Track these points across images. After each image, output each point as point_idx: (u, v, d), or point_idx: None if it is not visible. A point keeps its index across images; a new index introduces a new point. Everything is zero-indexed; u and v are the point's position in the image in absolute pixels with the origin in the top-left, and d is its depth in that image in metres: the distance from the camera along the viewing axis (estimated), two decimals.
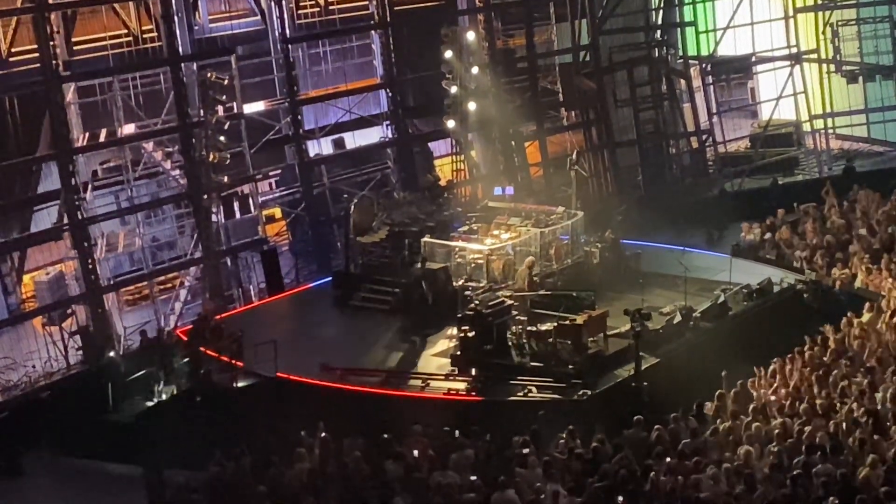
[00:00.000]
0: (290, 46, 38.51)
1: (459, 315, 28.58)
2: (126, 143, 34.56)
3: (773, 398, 24.59)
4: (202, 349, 29.30)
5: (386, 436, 23.90)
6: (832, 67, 47.11)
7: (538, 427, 23.79)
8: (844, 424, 22.42)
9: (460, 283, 30.96)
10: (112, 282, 33.71)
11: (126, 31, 35.64)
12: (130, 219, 34.97)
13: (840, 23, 47.15)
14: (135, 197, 34.69)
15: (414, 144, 41.33)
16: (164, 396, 28.80)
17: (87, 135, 34.36)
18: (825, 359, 26.16)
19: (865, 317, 28.11)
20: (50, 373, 31.33)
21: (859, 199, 37.91)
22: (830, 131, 46.73)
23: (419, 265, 30.74)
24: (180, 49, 34.99)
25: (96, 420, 28.65)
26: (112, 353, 30.23)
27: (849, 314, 28.21)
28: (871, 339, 26.87)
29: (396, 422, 25.41)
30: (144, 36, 35.65)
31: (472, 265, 31.40)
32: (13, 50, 34.89)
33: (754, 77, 48.77)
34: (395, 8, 40.99)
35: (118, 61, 34.91)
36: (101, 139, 34.54)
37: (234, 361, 28.93)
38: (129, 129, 34.70)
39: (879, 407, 23.09)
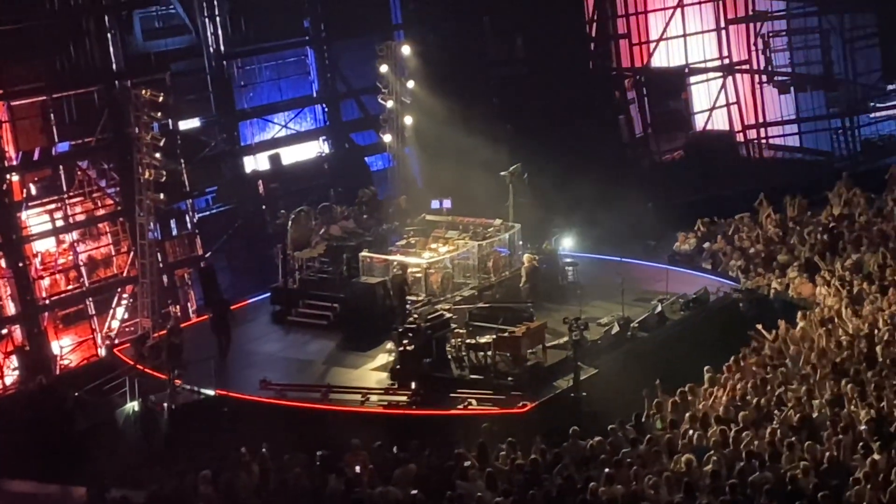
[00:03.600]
0: (224, 62, 38.40)
1: (398, 329, 28.56)
2: (61, 161, 34.27)
3: (710, 406, 24.73)
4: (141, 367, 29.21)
5: (326, 451, 23.82)
6: (764, 78, 47.55)
7: (483, 440, 23.82)
8: (780, 432, 22.62)
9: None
10: (48, 301, 33.39)
11: (59, 47, 35.26)
12: (66, 237, 34.64)
13: (771, 34, 47.64)
14: (70, 215, 34.39)
15: (351, 159, 41.27)
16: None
17: (20, 153, 34.01)
18: (761, 367, 26.40)
19: (800, 324, 28.38)
20: None
21: (791, 209, 38.26)
22: (764, 141, 47.18)
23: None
24: (114, 66, 34.76)
25: (37, 439, 28.34)
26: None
27: (784, 322, 28.47)
28: (806, 346, 27.13)
29: (337, 437, 25.36)
30: (78, 52, 35.31)
31: (411, 279, 31.40)
32: None
33: (688, 88, 49.03)
34: (330, 23, 41.05)
35: (51, 78, 34.59)
36: (35, 157, 34.20)
37: (172, 379, 28.75)
38: (63, 147, 34.42)
39: (816, 413, 23.32)
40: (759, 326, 27.86)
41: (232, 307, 31.70)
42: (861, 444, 21.75)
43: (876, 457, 20.95)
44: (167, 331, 30.27)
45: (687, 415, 24.34)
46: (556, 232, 34.25)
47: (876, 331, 27.27)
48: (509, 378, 26.97)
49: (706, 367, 26.31)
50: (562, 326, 27.44)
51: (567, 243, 34.08)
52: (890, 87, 48.47)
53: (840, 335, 27.34)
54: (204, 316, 34.29)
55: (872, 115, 47.66)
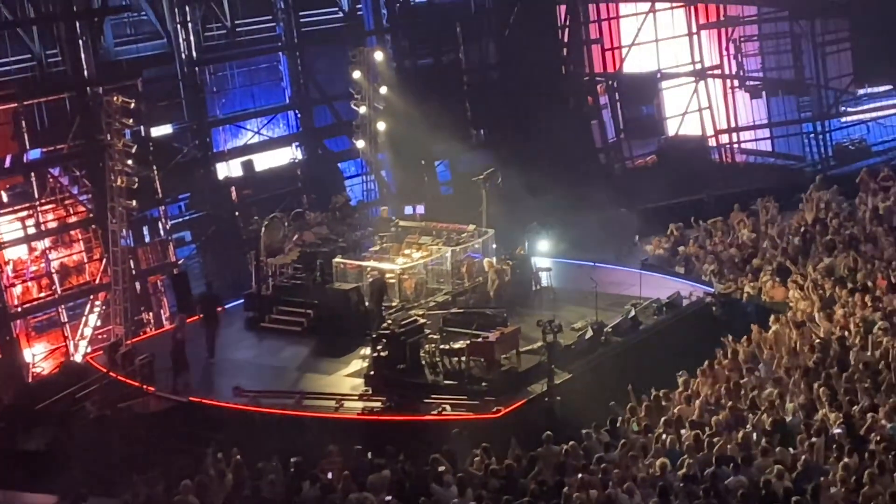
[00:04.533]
0: (196, 68, 38.32)
1: (372, 335, 28.53)
2: (32, 168, 34.15)
3: (684, 410, 24.79)
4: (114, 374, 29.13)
5: (300, 458, 23.75)
6: (736, 83, 47.74)
7: (450, 447, 23.81)
8: (755, 435, 22.70)
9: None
10: (20, 309, 33.24)
11: (30, 54, 35.18)
12: (38, 244, 34.50)
13: (742, 39, 47.84)
14: (42, 222, 34.25)
15: (324, 165, 41.23)
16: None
17: None
18: (735, 371, 26.48)
19: (773, 328, 28.48)
20: None
21: (764, 213, 38.43)
22: (736, 146, 47.36)
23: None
24: (86, 73, 34.66)
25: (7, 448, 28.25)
26: None
27: (756, 326, 28.57)
28: (779, 350, 27.24)
29: (311, 443, 25.32)
30: (49, 60, 35.20)
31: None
32: None
33: (660, 93, 49.19)
34: (303, 29, 41.02)
35: (22, 85, 34.46)
36: (7, 164, 34.06)
37: (146, 386, 28.68)
38: (34, 154, 34.29)
39: (789, 417, 23.40)
40: (730, 338, 27.90)
41: (220, 307, 31.51)
42: (834, 447, 21.87)
43: (847, 460, 21.06)
44: (174, 327, 30.32)
45: (661, 419, 24.42)
46: (530, 237, 34.30)
47: (847, 334, 27.44)
48: (483, 383, 26.97)
49: (680, 372, 26.39)
50: (535, 331, 27.44)
51: (540, 248, 34.13)
52: (861, 91, 48.67)
53: (812, 339, 27.47)
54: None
55: (843, 119, 47.86)
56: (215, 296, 32.01)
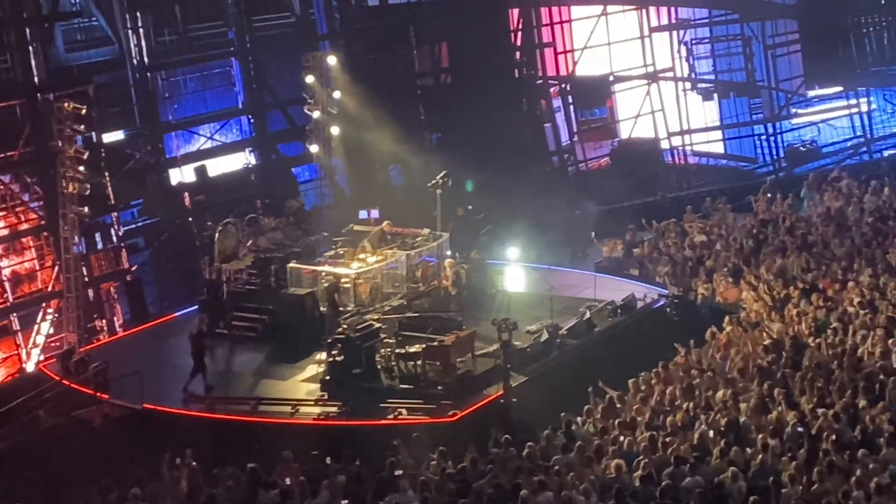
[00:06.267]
0: (148, 74, 38.15)
1: (327, 340, 28.49)
2: None
3: (639, 411, 24.88)
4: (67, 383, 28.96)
5: (255, 464, 23.70)
6: (688, 85, 47.97)
7: (408, 450, 23.86)
8: (711, 434, 22.82)
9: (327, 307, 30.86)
10: None
11: None
12: None
13: (694, 41, 48.11)
14: None
15: (278, 170, 41.14)
16: None
17: None
18: (689, 372, 26.60)
19: (727, 329, 28.63)
20: None
21: (715, 214, 38.67)
22: (688, 148, 47.58)
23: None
24: (36, 79, 34.43)
25: None
26: None
27: (711, 327, 28.72)
28: (732, 350, 27.38)
29: (267, 449, 25.25)
30: (1, 65, 34.99)
31: (342, 288, 31.33)
32: None
33: (613, 96, 49.37)
34: (255, 34, 40.91)
35: None
36: None
37: (99, 394, 28.52)
38: None
39: (743, 417, 23.53)
40: (679, 346, 27.99)
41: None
42: (788, 446, 22.02)
43: (802, 459, 21.23)
44: (198, 320, 30.25)
45: (616, 420, 24.49)
46: (483, 240, 34.36)
47: (800, 334, 27.64)
48: (439, 387, 27.02)
49: (631, 377, 26.48)
50: (491, 334, 27.50)
51: (494, 251, 34.21)
52: (811, 93, 49.02)
53: (765, 339, 27.64)
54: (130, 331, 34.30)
55: (794, 121, 48.20)
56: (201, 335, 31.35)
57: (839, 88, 48.39)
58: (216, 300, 32.75)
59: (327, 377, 27.84)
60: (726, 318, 29.22)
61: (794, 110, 48.46)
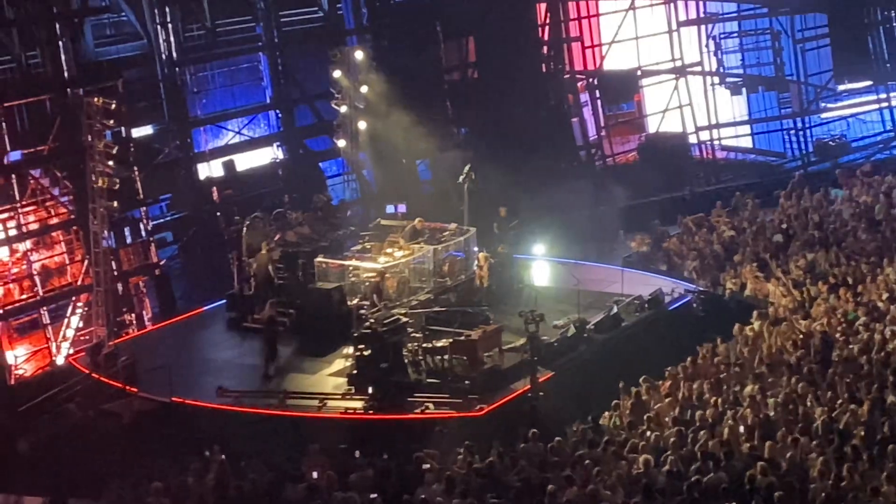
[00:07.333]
0: (177, 69, 38.27)
1: (355, 335, 28.54)
2: (13, 170, 34.08)
3: (667, 407, 24.86)
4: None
5: (283, 457, 23.81)
6: (716, 79, 47.84)
7: (434, 445, 23.92)
8: (736, 431, 22.78)
9: (355, 301, 30.88)
10: (1, 311, 33.16)
11: (9, 56, 35.08)
12: (19, 246, 34.42)
13: (722, 35, 47.96)
14: (23, 224, 34.18)
15: (305, 165, 41.22)
16: None
17: None
18: (717, 367, 26.57)
19: (755, 324, 28.57)
20: None
21: (744, 209, 38.58)
22: (717, 143, 47.45)
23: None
24: (66, 74, 34.57)
25: None
26: None
27: (738, 323, 28.66)
28: (761, 345, 27.32)
29: (295, 443, 25.35)
30: (29, 61, 35.11)
31: (367, 284, 31.35)
32: None
33: (641, 91, 49.27)
34: (283, 29, 41.00)
35: (2, 87, 34.37)
36: None
37: (128, 388, 28.66)
38: (15, 155, 34.21)
39: (771, 413, 23.48)
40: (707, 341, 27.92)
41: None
42: (816, 442, 21.97)
43: (831, 455, 21.17)
44: (268, 306, 30.48)
45: (644, 416, 24.48)
46: (511, 235, 34.35)
47: (829, 330, 27.55)
48: (466, 381, 27.03)
49: (659, 372, 26.47)
50: (518, 329, 27.49)
51: (521, 246, 34.19)
52: (840, 87, 48.85)
53: (794, 335, 27.57)
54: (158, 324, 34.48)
55: (823, 115, 48.02)
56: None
57: (869, 83, 48.20)
58: (244, 295, 32.96)
59: (354, 371, 27.89)
60: (754, 314, 29.17)
61: (823, 105, 48.25)
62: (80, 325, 34.15)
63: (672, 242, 36.71)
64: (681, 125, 47.04)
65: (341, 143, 38.62)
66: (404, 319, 29.05)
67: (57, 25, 34.39)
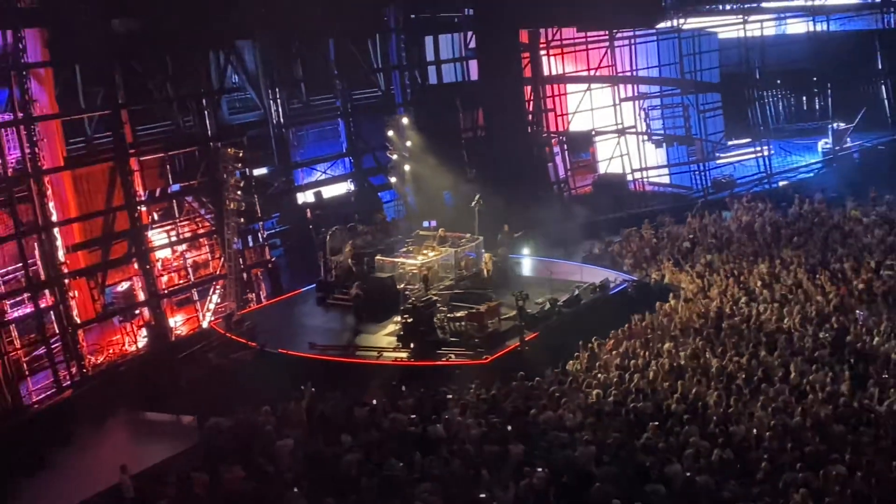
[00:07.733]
0: (283, 129, 38.33)
1: (402, 308, 28.51)
2: (174, 197, 34.21)
3: (611, 357, 24.80)
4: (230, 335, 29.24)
5: (352, 390, 23.78)
6: (645, 137, 47.70)
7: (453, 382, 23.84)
8: (660, 374, 22.71)
9: (402, 286, 30.85)
10: (166, 291, 33.27)
11: (171, 121, 35.18)
12: (178, 248, 34.52)
13: (650, 107, 47.82)
14: (180, 233, 34.30)
15: (369, 194, 41.22)
16: None
17: (147, 192, 33.84)
18: (645, 331, 26.48)
19: (671, 302, 28.48)
20: (124, 354, 30.90)
21: (664, 225, 38.41)
22: (645, 180, 47.32)
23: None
24: (209, 132, 34.67)
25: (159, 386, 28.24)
26: None
27: (660, 302, 28.54)
28: (675, 317, 27.23)
29: (361, 380, 25.34)
30: (185, 123, 35.19)
31: (410, 274, 31.34)
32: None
33: (594, 145, 49.13)
34: (354, 102, 41.08)
35: (167, 141, 34.50)
36: (157, 194, 34.10)
37: (250, 343, 28.72)
38: (175, 187, 34.34)
39: (682, 362, 23.42)
40: (637, 316, 27.68)
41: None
42: (713, 382, 21.90)
43: (722, 391, 21.10)
44: (354, 287, 30.28)
45: (596, 363, 24.42)
46: (514, 241, 34.35)
47: (721, 306, 27.46)
48: (476, 340, 27.00)
49: (606, 335, 26.37)
50: (511, 305, 27.44)
51: (514, 248, 34.16)
52: (730, 142, 48.87)
53: (698, 309, 27.47)
54: (270, 301, 34.46)
55: (718, 161, 47.88)
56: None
57: (748, 139, 48.04)
58: (327, 281, 32.98)
59: (401, 333, 27.88)
60: (671, 295, 29.07)
61: (717, 154, 48.10)
62: (218, 300, 34.20)
63: (615, 247, 36.59)
64: (622, 168, 46.87)
65: (393, 179, 38.63)
66: (435, 298, 29.03)
67: (203, 100, 34.45)
